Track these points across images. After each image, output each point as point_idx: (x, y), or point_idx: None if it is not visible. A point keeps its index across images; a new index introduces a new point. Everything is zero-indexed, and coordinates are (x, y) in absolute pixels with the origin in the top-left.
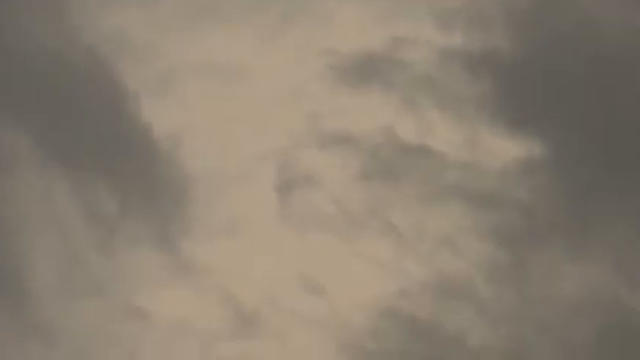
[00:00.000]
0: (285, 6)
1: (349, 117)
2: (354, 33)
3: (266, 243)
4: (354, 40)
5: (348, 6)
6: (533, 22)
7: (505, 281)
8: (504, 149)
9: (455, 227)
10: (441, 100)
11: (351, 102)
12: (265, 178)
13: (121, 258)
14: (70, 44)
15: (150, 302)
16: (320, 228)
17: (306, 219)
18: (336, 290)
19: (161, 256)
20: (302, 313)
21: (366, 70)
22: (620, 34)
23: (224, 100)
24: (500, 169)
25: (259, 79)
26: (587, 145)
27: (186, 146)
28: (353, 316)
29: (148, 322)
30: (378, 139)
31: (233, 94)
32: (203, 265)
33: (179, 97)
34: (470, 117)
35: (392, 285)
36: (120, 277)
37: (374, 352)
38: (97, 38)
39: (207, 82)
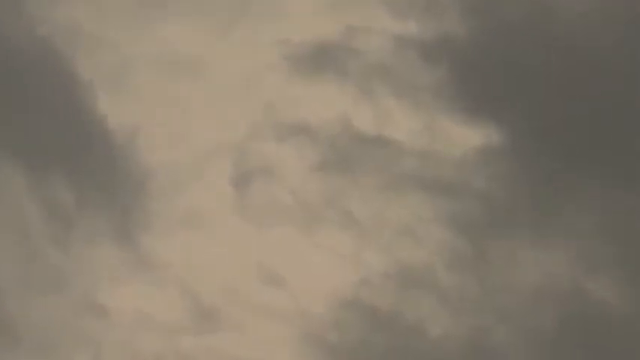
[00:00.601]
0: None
1: (305, 107)
2: (307, 23)
3: (225, 236)
4: (307, 30)
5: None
6: (488, 9)
7: (466, 270)
8: (462, 137)
9: (414, 216)
10: (398, 88)
11: (307, 92)
12: (222, 171)
13: (80, 253)
14: (24, 36)
15: (110, 297)
16: (278, 220)
17: (264, 211)
18: (296, 282)
19: (120, 250)
20: (262, 305)
21: (320, 60)
22: (575, 20)
23: (179, 92)
24: (459, 158)
25: (213, 70)
26: (545, 133)
27: (143, 139)
28: (314, 308)
29: (109, 317)
30: (334, 129)
31: (188, 86)
32: (162, 259)
33: (134, 90)
34: (427, 105)
35: (352, 275)
36: (79, 272)
37: (335, 343)
38: (50, 30)
39: (161, 74)
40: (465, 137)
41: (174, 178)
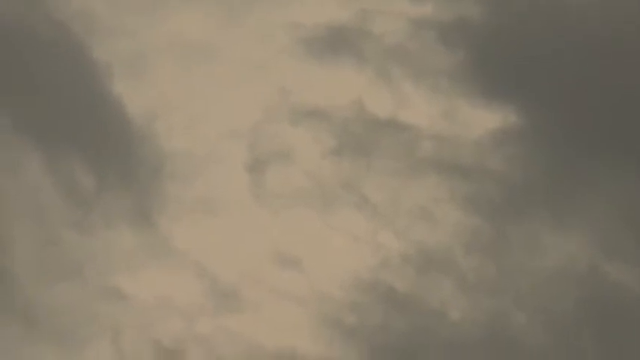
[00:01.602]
0: None
1: (321, 91)
2: (321, 6)
3: (241, 219)
4: (321, 14)
5: None
6: None
7: (484, 253)
8: (480, 120)
9: (432, 199)
10: (414, 71)
11: (323, 75)
12: (238, 155)
13: (98, 237)
14: (41, 20)
15: (128, 282)
16: (294, 203)
17: (279, 195)
18: (314, 265)
19: (138, 234)
20: (280, 288)
21: (336, 43)
22: (591, 2)
23: (194, 78)
24: (476, 140)
25: (227, 56)
26: (563, 115)
27: (160, 125)
28: (331, 290)
29: (127, 301)
30: (350, 113)
31: (202, 72)
32: (180, 243)
33: (149, 77)
34: (444, 88)
35: (370, 258)
36: (97, 256)
37: (353, 326)
38: (67, 16)
39: (176, 61)
40: (483, 120)
41: (191, 163)
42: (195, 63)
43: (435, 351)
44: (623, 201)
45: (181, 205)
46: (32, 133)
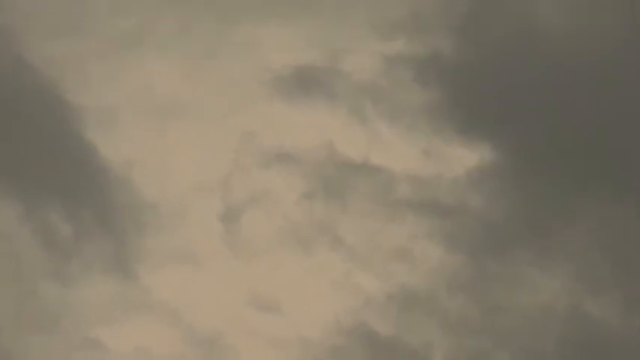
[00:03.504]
0: (208, 34)
1: (291, 133)
2: (288, 48)
3: (219, 267)
4: (289, 55)
5: (274, 28)
6: (476, 27)
7: (466, 291)
8: (456, 158)
9: (410, 239)
10: (389, 109)
11: (293, 117)
12: (211, 204)
13: (76, 287)
14: (13, 65)
15: (107, 332)
16: (270, 248)
17: (255, 241)
18: (293, 309)
19: (116, 284)
20: (260, 333)
21: (305, 83)
22: (561, 36)
23: (163, 130)
24: (454, 179)
25: (195, 105)
26: (541, 150)
27: (134, 174)
28: (312, 334)
29: (106, 352)
30: (322, 155)
31: (171, 123)
32: (158, 293)
33: (121, 126)
34: (419, 126)
35: (349, 301)
36: (75, 307)
37: None
38: (39, 62)
39: (144, 112)
40: (460, 158)
41: (166, 213)
42: (163, 115)
43: None
44: (604, 235)
45: (158, 255)
46: (7, 180)
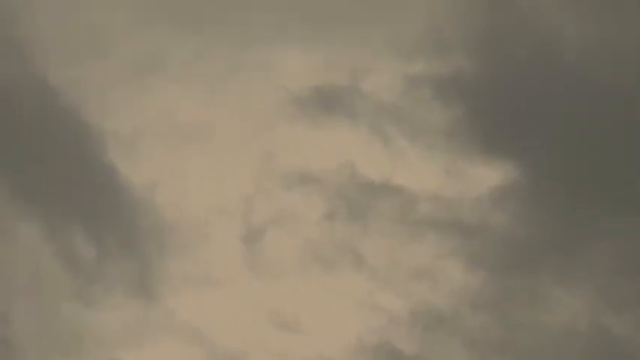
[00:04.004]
0: (227, 57)
1: (312, 154)
2: (308, 68)
3: (241, 287)
4: (309, 75)
5: (292, 50)
6: (496, 45)
7: (489, 310)
8: (478, 177)
9: (432, 259)
10: (410, 129)
11: (314, 138)
12: (233, 226)
13: (99, 308)
14: (37, 87)
15: (130, 354)
16: (292, 269)
17: (276, 261)
18: (315, 328)
19: (139, 305)
20: (283, 353)
21: (325, 104)
22: (581, 53)
23: (185, 153)
24: (477, 198)
25: (216, 128)
26: (563, 168)
27: (157, 197)
28: (334, 354)
29: None
30: (343, 176)
31: (193, 147)
32: (181, 313)
33: (143, 150)
34: (441, 146)
35: (372, 320)
36: (98, 328)
37: None
38: (62, 83)
39: (166, 137)
40: (481, 177)
41: (189, 235)
42: (184, 138)
43: None
44: (626, 254)
45: (181, 277)
46: (31, 202)
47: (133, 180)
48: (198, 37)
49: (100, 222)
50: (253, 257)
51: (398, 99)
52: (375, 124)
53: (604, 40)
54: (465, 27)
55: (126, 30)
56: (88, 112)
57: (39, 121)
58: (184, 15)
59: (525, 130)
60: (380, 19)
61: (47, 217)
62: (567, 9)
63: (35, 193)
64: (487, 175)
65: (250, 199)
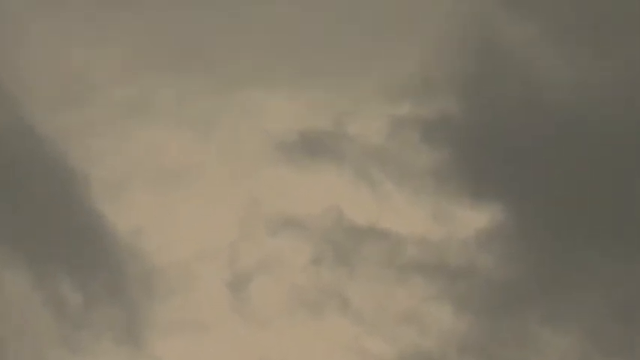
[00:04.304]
0: (210, 101)
1: (298, 198)
2: (293, 111)
3: (227, 334)
4: (294, 119)
5: (277, 93)
6: (481, 86)
7: (477, 353)
8: (465, 220)
9: (419, 302)
10: (397, 172)
11: (299, 182)
12: (219, 272)
13: (86, 355)
14: (24, 136)
15: None
16: (278, 315)
17: (263, 307)
18: None
19: (126, 352)
20: None
21: (311, 147)
22: (568, 93)
23: (170, 198)
24: (463, 240)
25: (201, 172)
26: (550, 209)
27: (142, 243)
28: None
29: None
30: (329, 220)
31: (178, 192)
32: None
33: (127, 195)
34: (429, 189)
35: None
36: None
37: None
38: (49, 132)
39: (151, 181)
40: (468, 220)
41: (174, 281)
42: (169, 182)
43: None
44: (614, 297)
45: (168, 323)
46: (17, 250)
47: (118, 225)
48: (183, 81)
49: (86, 268)
50: (240, 303)
51: (384, 142)
52: (361, 167)
53: (591, 80)
54: (452, 70)
55: (111, 75)
56: (73, 157)
57: (24, 167)
58: (169, 59)
59: (512, 172)
60: (367, 64)
61: (33, 264)
62: (554, 51)
63: (21, 240)
64: (474, 218)
65: (236, 245)
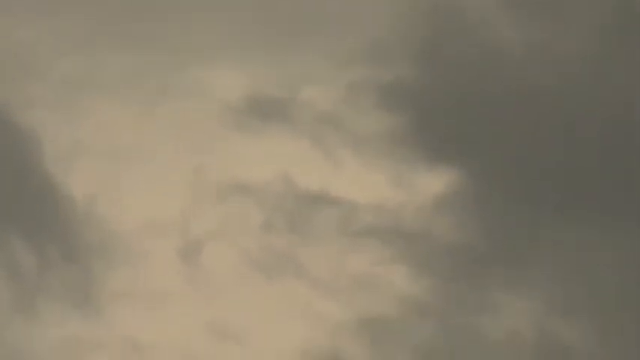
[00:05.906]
0: (160, 74)
1: (250, 166)
2: (241, 84)
3: (180, 301)
4: (243, 90)
5: (228, 64)
6: (436, 49)
7: (433, 317)
8: (422, 184)
9: (374, 267)
10: (351, 138)
11: (251, 148)
12: (170, 239)
13: (40, 320)
14: None
15: None
16: (231, 281)
17: (216, 273)
18: (258, 339)
19: (79, 318)
20: None
21: (262, 113)
22: (525, 56)
23: (120, 170)
24: (420, 205)
25: (149, 145)
26: (508, 173)
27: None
28: None
29: None
30: (281, 187)
31: (128, 164)
32: (120, 327)
33: (80, 164)
34: (384, 154)
35: (315, 329)
36: (42, 341)
37: None
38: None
39: (100, 151)
40: (425, 184)
41: (125, 251)
42: (120, 154)
43: None
44: (571, 260)
45: (122, 289)
46: None
47: (72, 192)
48: (128, 55)
49: (41, 232)
50: (192, 269)
51: (337, 107)
52: (314, 133)
53: (545, 42)
54: (406, 33)
55: (61, 49)
56: (24, 126)
57: None
58: (120, 35)
59: (468, 136)
60: (319, 29)
61: None
62: (508, 13)
63: None
64: (430, 183)
65: (187, 212)
